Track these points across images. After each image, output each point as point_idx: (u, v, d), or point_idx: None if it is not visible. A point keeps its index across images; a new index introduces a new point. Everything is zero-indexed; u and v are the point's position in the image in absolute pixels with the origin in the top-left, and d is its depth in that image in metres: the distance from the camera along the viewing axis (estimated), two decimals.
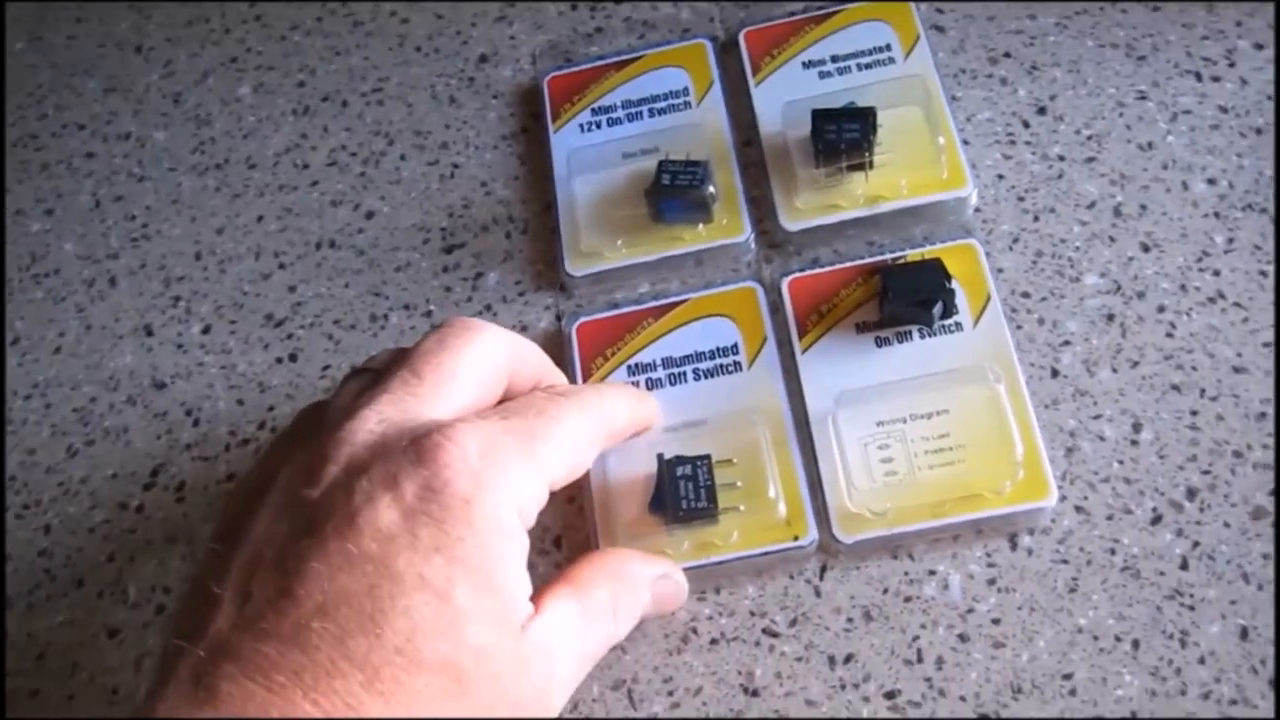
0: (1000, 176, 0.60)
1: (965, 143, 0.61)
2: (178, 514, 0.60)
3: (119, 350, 0.65)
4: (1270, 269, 0.56)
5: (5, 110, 0.75)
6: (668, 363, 0.58)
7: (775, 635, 0.52)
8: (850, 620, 0.52)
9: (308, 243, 0.66)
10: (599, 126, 0.65)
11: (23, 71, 0.76)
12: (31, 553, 0.61)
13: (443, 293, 0.63)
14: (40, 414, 0.65)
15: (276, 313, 0.65)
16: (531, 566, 0.55)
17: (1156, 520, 0.52)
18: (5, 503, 0.63)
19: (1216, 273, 0.56)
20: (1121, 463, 0.53)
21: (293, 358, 0.63)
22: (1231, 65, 0.62)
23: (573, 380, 0.58)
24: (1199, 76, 0.61)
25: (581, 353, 0.59)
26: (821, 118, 0.59)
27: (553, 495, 0.57)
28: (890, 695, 0.50)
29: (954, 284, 0.55)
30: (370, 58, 0.71)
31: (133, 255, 0.68)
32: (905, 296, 0.55)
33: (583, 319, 0.60)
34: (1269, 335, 0.55)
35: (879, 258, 0.58)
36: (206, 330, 0.65)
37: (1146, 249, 0.57)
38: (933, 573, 0.52)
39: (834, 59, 0.64)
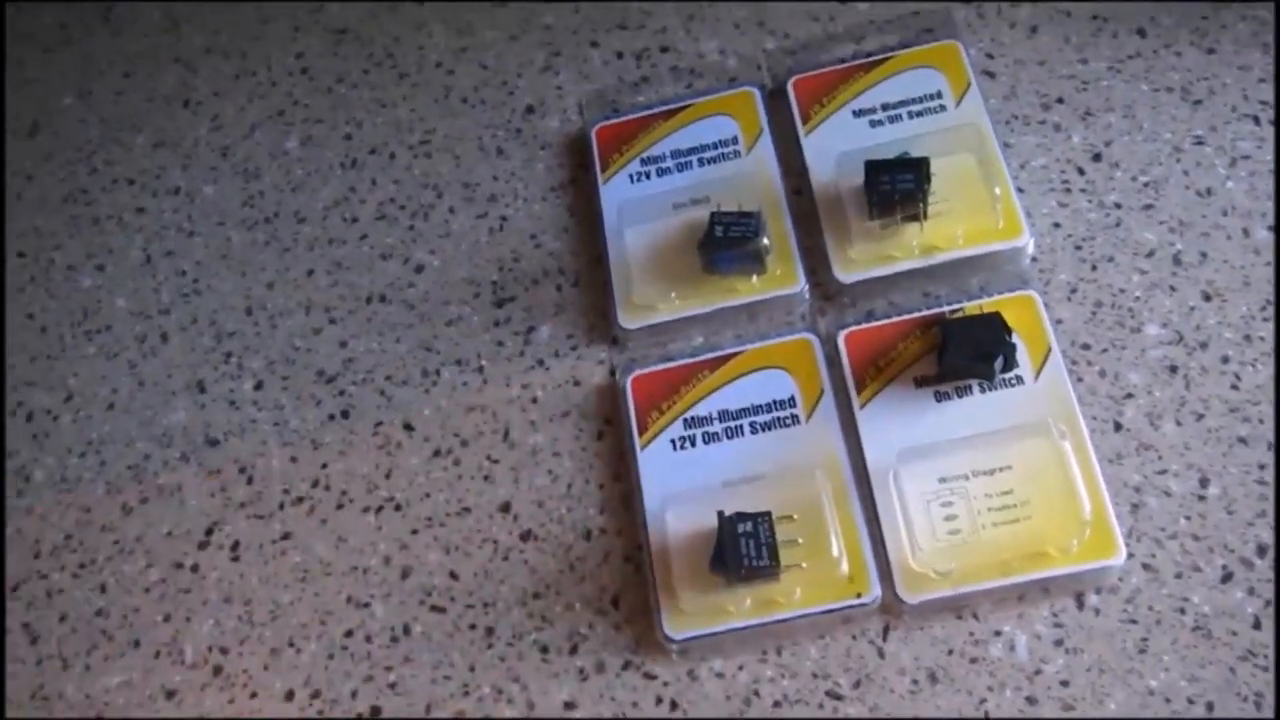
0: (1056, 225, 0.60)
1: (1020, 190, 0.60)
2: (234, 573, 0.60)
3: (172, 406, 0.66)
4: None
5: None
6: (724, 416, 0.58)
7: (839, 698, 0.52)
8: (915, 682, 0.51)
9: (358, 297, 0.66)
10: (648, 176, 0.65)
11: (72, 127, 0.77)
12: (89, 612, 0.61)
13: (495, 347, 0.63)
14: (95, 471, 0.65)
15: (328, 368, 0.65)
16: (590, 626, 0.55)
17: (1227, 578, 0.51)
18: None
19: None
20: (1189, 519, 0.52)
21: (345, 414, 0.63)
22: None
23: (628, 436, 0.58)
24: (1257, 120, 0.60)
25: (637, 406, 0.59)
26: (875, 169, 0.58)
27: (609, 554, 0.57)
28: None
29: (1014, 338, 0.55)
30: (417, 110, 0.71)
31: (184, 311, 0.68)
32: (965, 350, 0.54)
33: (637, 372, 0.60)
34: None
35: (936, 310, 0.58)
36: (259, 386, 0.65)
37: (1208, 298, 0.57)
38: (998, 633, 0.52)
39: (884, 107, 0.63)
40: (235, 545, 0.61)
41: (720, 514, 0.53)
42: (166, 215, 0.72)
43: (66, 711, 0.59)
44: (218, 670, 0.58)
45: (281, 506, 0.62)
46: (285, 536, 0.61)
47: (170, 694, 0.58)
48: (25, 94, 0.79)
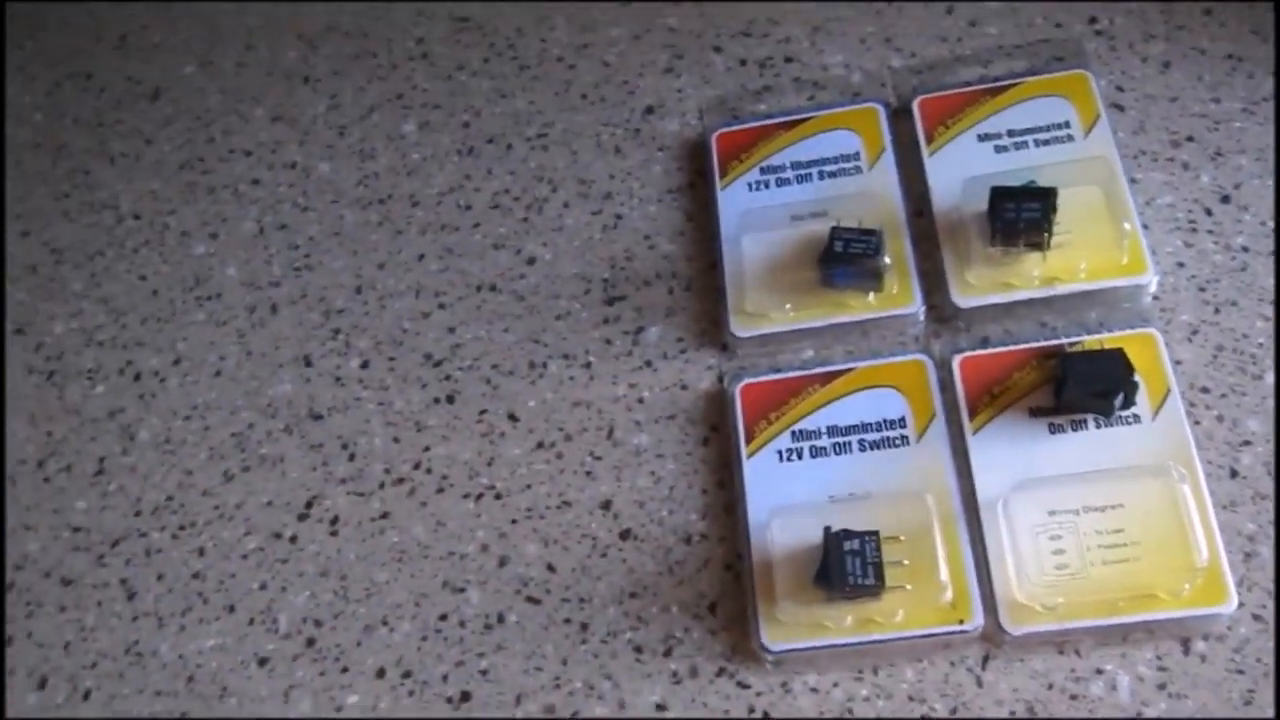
0: (1180, 264, 0.59)
1: (1145, 227, 0.60)
2: (331, 548, 0.61)
3: (278, 378, 0.67)
4: None
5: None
6: (833, 431, 0.58)
7: None
8: (1012, 713, 0.51)
9: (468, 284, 0.67)
10: (767, 186, 0.65)
11: (192, 95, 0.78)
12: (186, 574, 0.62)
13: (603, 345, 0.63)
14: (199, 436, 0.66)
15: (435, 353, 0.65)
16: (686, 630, 0.55)
17: None
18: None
19: None
20: None
21: (450, 399, 0.64)
22: None
23: (734, 444, 0.58)
24: None
25: (745, 415, 0.59)
26: (1001, 195, 0.58)
27: (709, 561, 0.57)
28: None
29: (1137, 376, 0.54)
30: (535, 102, 0.72)
31: (294, 284, 0.69)
32: (1085, 385, 0.54)
33: (747, 380, 0.60)
34: None
35: (1052, 341, 0.58)
36: (365, 365, 0.66)
37: None
38: (1100, 671, 0.51)
39: (1010, 133, 0.63)
40: (334, 520, 0.62)
41: (827, 529, 0.53)
42: (281, 189, 0.73)
43: (159, 670, 0.60)
44: (310, 642, 0.59)
45: (382, 486, 0.62)
46: (384, 515, 0.61)
47: (262, 661, 0.59)
48: (149, 59, 0.80)
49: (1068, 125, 0.63)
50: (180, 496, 0.64)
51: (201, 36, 0.80)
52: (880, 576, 0.52)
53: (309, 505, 0.63)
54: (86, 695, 0.60)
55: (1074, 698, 0.51)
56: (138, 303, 0.71)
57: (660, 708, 0.54)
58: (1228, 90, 0.63)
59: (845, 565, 0.52)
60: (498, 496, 0.61)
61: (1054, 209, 0.58)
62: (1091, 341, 0.57)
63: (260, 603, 0.61)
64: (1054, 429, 0.55)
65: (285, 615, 0.60)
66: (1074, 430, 0.55)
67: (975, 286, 0.59)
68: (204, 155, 0.76)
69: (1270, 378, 0.56)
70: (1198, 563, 0.51)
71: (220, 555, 0.62)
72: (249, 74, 0.78)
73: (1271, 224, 0.59)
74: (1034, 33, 0.67)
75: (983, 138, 0.63)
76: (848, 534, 0.53)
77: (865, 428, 0.57)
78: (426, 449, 0.63)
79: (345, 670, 0.58)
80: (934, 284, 0.60)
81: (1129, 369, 0.54)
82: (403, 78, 0.75)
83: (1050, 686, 0.51)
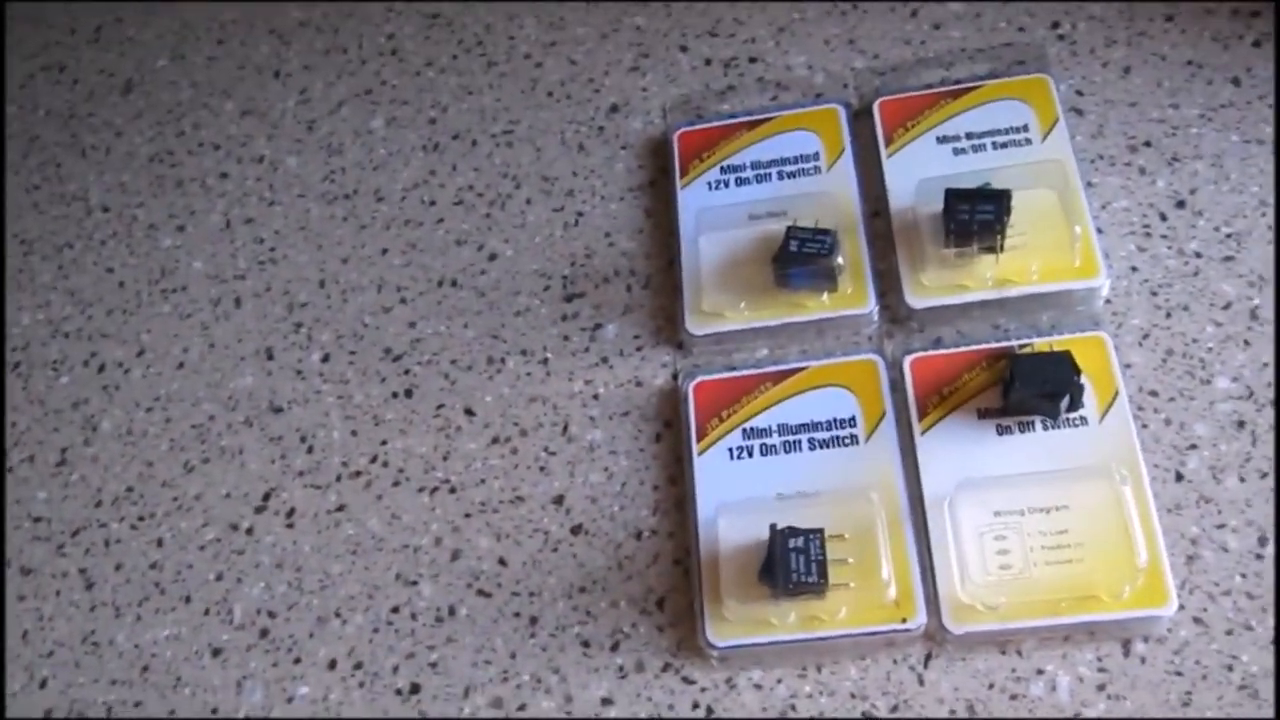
0: (1134, 269, 0.59)
1: (1099, 231, 0.60)
2: (287, 540, 0.61)
3: (240, 371, 0.67)
4: None
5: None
6: (784, 429, 0.58)
7: None
8: (953, 712, 0.51)
9: (430, 279, 0.67)
10: (727, 185, 0.65)
11: (164, 88, 0.78)
12: (144, 564, 0.63)
13: (560, 341, 0.64)
14: (160, 427, 0.66)
15: (395, 347, 0.66)
16: (633, 625, 0.56)
17: (1279, 639, 0.50)
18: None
19: None
20: (1244, 576, 0.52)
21: (408, 393, 0.64)
22: None
23: (686, 441, 0.58)
24: None
25: (698, 412, 0.59)
26: (955, 197, 0.58)
27: (658, 556, 0.57)
28: None
29: (1083, 378, 0.55)
30: (502, 99, 0.72)
31: (259, 278, 0.70)
32: (1033, 387, 0.54)
33: (700, 378, 0.60)
34: None
35: (1004, 343, 0.58)
36: (326, 359, 0.66)
37: None
38: (1041, 672, 0.52)
39: (969, 135, 0.63)
40: (291, 512, 0.62)
41: (773, 526, 0.53)
42: (249, 183, 0.73)
43: (115, 659, 0.60)
44: (264, 633, 0.59)
45: (339, 478, 0.63)
46: (340, 508, 0.62)
47: (216, 651, 0.60)
48: (123, 51, 0.81)
49: (1026, 129, 0.63)
50: (140, 487, 0.65)
51: (175, 30, 0.81)
52: (824, 574, 0.52)
53: (266, 497, 0.63)
54: (43, 684, 0.61)
55: (1014, 697, 0.51)
56: (104, 294, 0.71)
57: (606, 702, 0.55)
58: (1186, 96, 0.63)
59: (790, 562, 0.53)
60: (452, 490, 0.61)
61: (1008, 211, 0.58)
62: (1041, 344, 0.57)
63: (216, 593, 0.61)
64: (1002, 430, 0.56)
65: (240, 606, 0.61)
66: (1021, 432, 0.56)
67: (929, 288, 0.60)
68: (174, 148, 0.76)
69: (1219, 383, 0.56)
70: (1138, 564, 0.51)
71: (178, 546, 0.63)
72: (220, 68, 0.78)
73: (1225, 230, 0.60)
74: (997, 36, 0.67)
75: (941, 140, 0.64)
76: (793, 531, 0.53)
77: (815, 426, 0.58)
78: (384, 442, 0.63)
79: (298, 661, 0.59)
80: (889, 284, 0.61)
81: (1075, 371, 0.54)
82: (372, 73, 0.75)
83: (991, 686, 0.52)
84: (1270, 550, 0.52)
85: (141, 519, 0.64)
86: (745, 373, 0.60)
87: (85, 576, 0.63)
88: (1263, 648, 0.50)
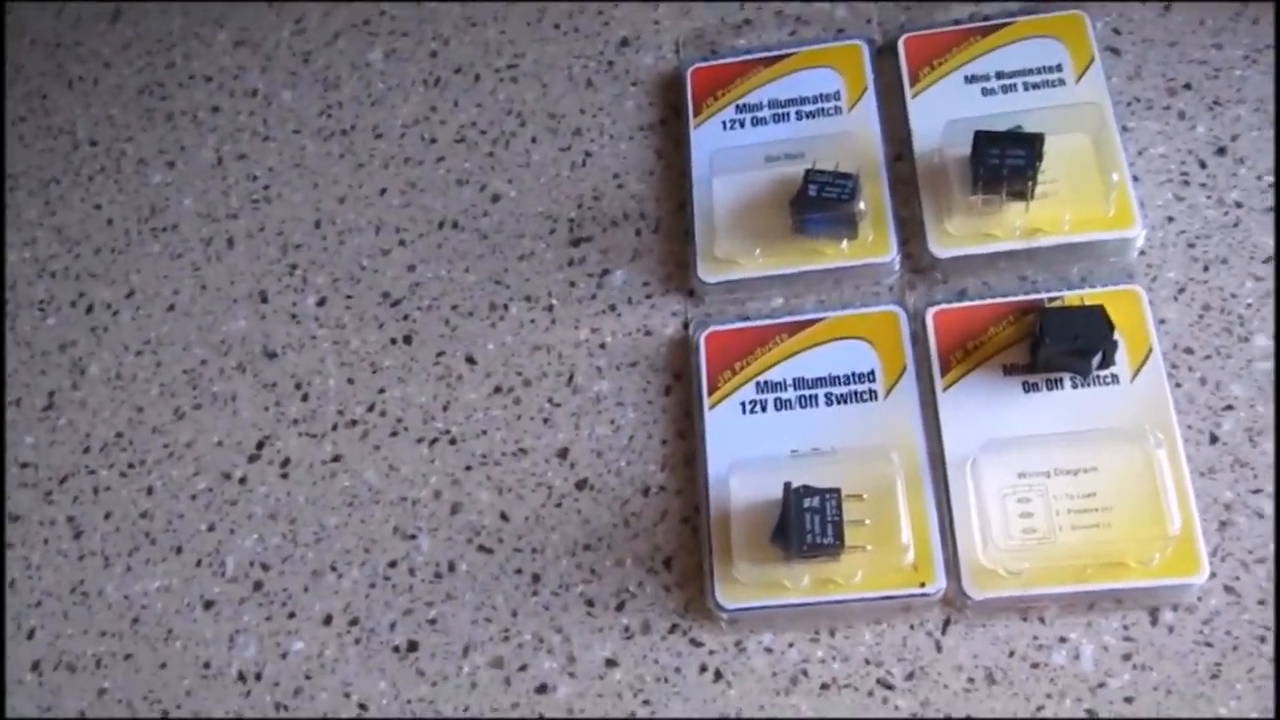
0: (1170, 219, 0.56)
1: (1135, 179, 0.57)
2: (281, 490, 0.59)
3: (232, 314, 0.64)
4: None
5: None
6: (799, 384, 0.55)
7: (890, 687, 0.50)
8: (971, 680, 0.50)
9: (430, 221, 0.64)
10: (742, 125, 0.62)
11: (154, 17, 0.75)
12: (134, 513, 0.60)
13: (566, 287, 0.61)
14: (150, 371, 0.64)
15: (394, 291, 0.63)
16: (640, 584, 0.54)
17: None
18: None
19: None
20: None
21: (407, 340, 0.61)
22: None
23: (696, 394, 0.56)
24: None
25: (709, 364, 0.57)
26: (985, 140, 0.55)
27: (666, 513, 0.55)
28: None
29: (1116, 334, 0.52)
30: (507, 31, 0.69)
31: (252, 217, 0.67)
32: (1063, 343, 0.51)
33: (712, 328, 0.57)
34: None
35: (1032, 296, 0.55)
36: (322, 303, 0.63)
37: None
38: (1064, 640, 0.50)
39: (999, 75, 0.60)
40: (285, 462, 0.60)
41: (787, 485, 0.51)
42: (242, 118, 0.70)
43: (104, 610, 0.58)
44: (258, 585, 0.58)
45: (335, 428, 0.60)
46: (336, 459, 0.60)
47: (208, 604, 0.58)
48: None
49: (1059, 69, 0.60)
50: (130, 434, 0.63)
51: None
52: (840, 536, 0.50)
53: (260, 446, 0.61)
54: (30, 634, 0.59)
55: (1036, 665, 0.49)
56: (91, 232, 0.69)
57: (610, 663, 0.53)
58: (1230, 36, 0.60)
59: (804, 523, 0.50)
60: (452, 442, 0.59)
61: (1040, 157, 0.55)
62: (1072, 297, 0.54)
63: (208, 544, 0.59)
64: (1028, 387, 0.53)
65: (233, 558, 0.59)
66: (1049, 389, 0.53)
67: (954, 236, 0.57)
68: (164, 80, 0.73)
69: (1258, 340, 0.53)
70: (1170, 531, 0.48)
71: (169, 495, 0.61)
72: None
73: (1268, 179, 0.56)
74: None
75: (970, 79, 0.60)
76: (808, 491, 0.51)
77: (833, 380, 0.55)
78: (381, 391, 0.61)
79: (292, 616, 0.57)
80: (912, 232, 0.58)
81: (1109, 327, 0.51)
82: (370, 2, 0.72)
83: (1011, 654, 0.50)
84: None
85: (131, 466, 0.62)
86: (759, 323, 0.57)
87: (73, 525, 0.61)
88: None
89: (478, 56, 0.69)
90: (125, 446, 0.62)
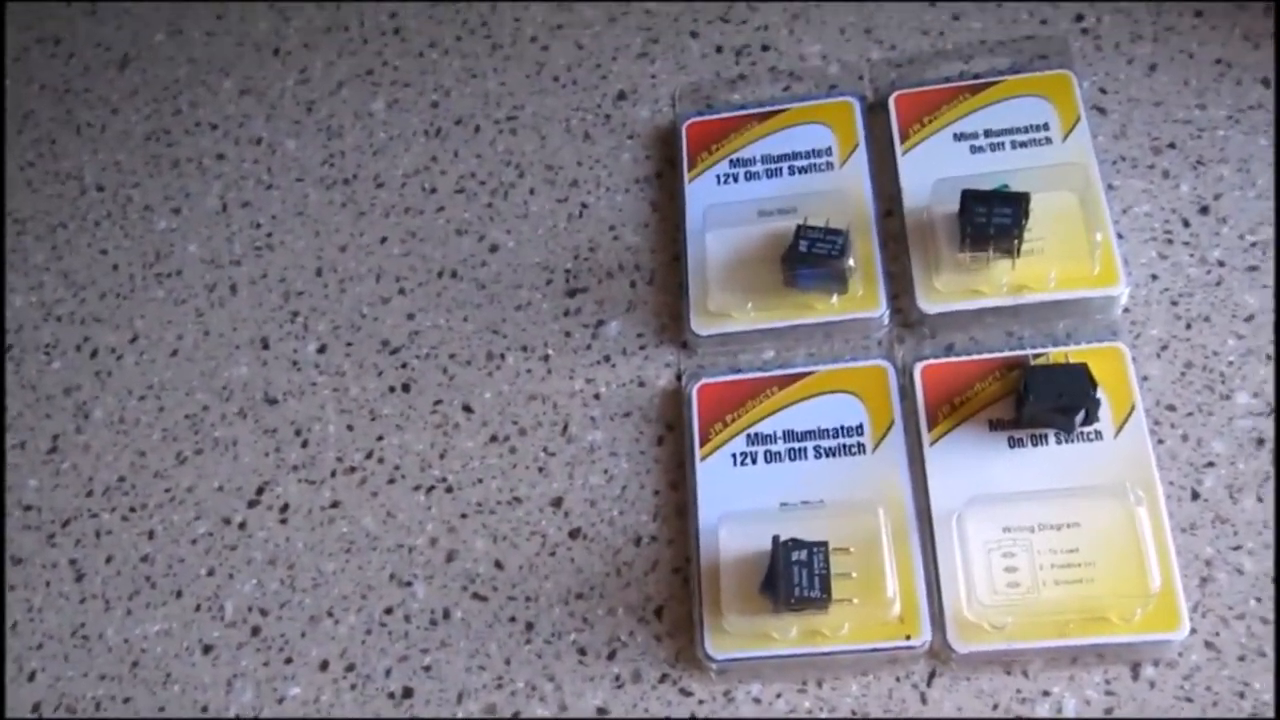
0: (1154, 277, 0.57)
1: (1119, 236, 0.58)
2: (280, 536, 0.60)
3: (234, 360, 0.66)
4: None
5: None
6: (789, 436, 0.57)
7: None
8: None
9: (430, 270, 0.65)
10: (736, 179, 0.63)
11: (161, 64, 0.76)
12: (135, 557, 0.61)
13: (562, 338, 0.62)
14: (153, 416, 0.65)
15: (393, 339, 0.64)
16: (631, 634, 0.55)
17: None
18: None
19: None
20: (1259, 600, 0.50)
21: (405, 388, 0.63)
22: None
23: (689, 445, 0.57)
24: None
25: (701, 415, 0.58)
26: (972, 199, 0.56)
27: (657, 563, 0.56)
28: None
29: (1099, 392, 0.53)
30: (507, 84, 0.70)
31: (255, 264, 0.68)
32: (1047, 400, 0.53)
33: (705, 380, 0.58)
34: None
35: (1018, 352, 0.56)
36: (322, 350, 0.65)
37: None
38: (1047, 693, 0.50)
39: (988, 133, 0.61)
40: (284, 508, 0.61)
41: (775, 538, 0.52)
42: (246, 165, 0.72)
43: (104, 653, 0.59)
44: (255, 631, 0.58)
45: (333, 474, 0.61)
46: (334, 505, 0.61)
47: (207, 649, 0.59)
48: (120, 25, 0.79)
49: (1047, 127, 0.61)
50: (132, 478, 0.64)
51: (173, 3, 0.79)
52: (827, 589, 0.51)
53: (260, 491, 0.62)
54: (31, 676, 0.60)
55: (1019, 719, 0.50)
56: (97, 277, 0.70)
57: (602, 711, 0.54)
58: (1214, 96, 0.61)
59: (792, 576, 0.51)
60: (449, 489, 0.60)
61: (1026, 215, 0.56)
62: (1057, 354, 0.55)
63: (208, 589, 0.60)
64: (1014, 443, 0.54)
65: (231, 603, 0.59)
66: (1034, 445, 0.54)
67: (942, 292, 0.58)
68: (170, 127, 0.74)
69: (1239, 398, 0.54)
70: (1150, 588, 0.49)
71: (170, 539, 0.62)
72: (219, 44, 0.76)
73: (1250, 238, 0.58)
74: (1018, 29, 0.65)
75: (959, 137, 0.62)
76: (796, 544, 0.52)
77: (822, 434, 0.56)
78: (380, 438, 0.62)
79: (289, 661, 0.58)
80: (901, 287, 0.59)
81: (1091, 385, 0.53)
82: (373, 53, 0.73)
83: (995, 706, 0.51)
84: None
85: (133, 510, 0.63)
86: (751, 375, 0.58)
87: (75, 568, 0.62)
88: (1275, 675, 0.49)
89: (478, 108, 0.70)
90: (127, 490, 0.63)
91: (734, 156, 0.64)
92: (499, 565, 0.57)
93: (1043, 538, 0.52)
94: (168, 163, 0.73)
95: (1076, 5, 0.65)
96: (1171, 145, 0.61)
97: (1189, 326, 0.56)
